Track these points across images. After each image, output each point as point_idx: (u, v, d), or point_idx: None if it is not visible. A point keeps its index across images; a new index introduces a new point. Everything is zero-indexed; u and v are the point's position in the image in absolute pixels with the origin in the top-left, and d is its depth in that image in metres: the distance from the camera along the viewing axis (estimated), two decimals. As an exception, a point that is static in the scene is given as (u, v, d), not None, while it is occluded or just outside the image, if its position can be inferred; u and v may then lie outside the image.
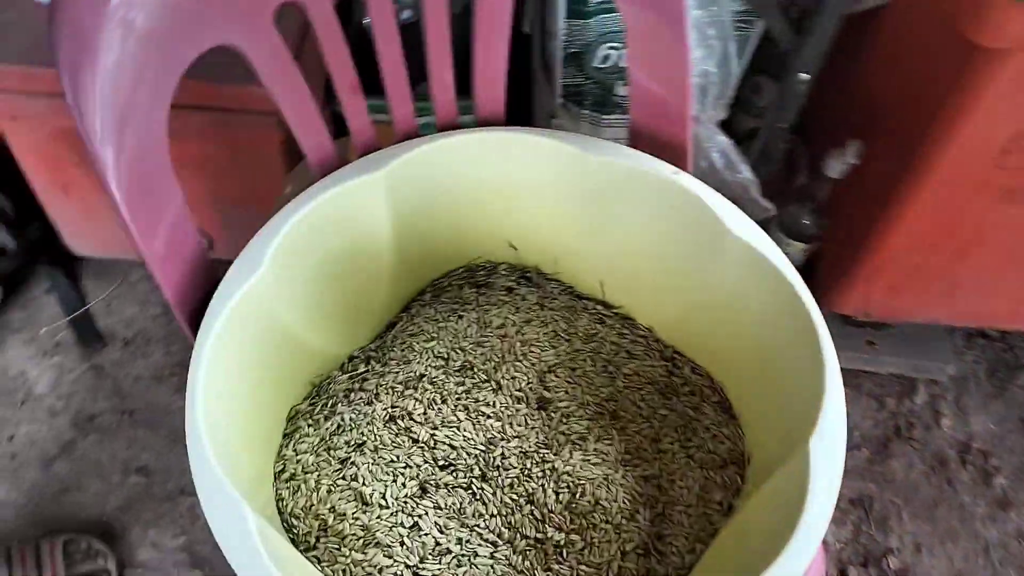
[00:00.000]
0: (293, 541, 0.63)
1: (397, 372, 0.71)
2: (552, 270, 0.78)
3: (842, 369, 1.16)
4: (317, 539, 0.63)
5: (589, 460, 0.67)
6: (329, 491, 0.65)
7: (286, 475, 0.66)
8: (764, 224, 1.17)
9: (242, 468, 0.58)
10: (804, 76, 0.86)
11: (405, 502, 0.64)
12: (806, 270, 1.19)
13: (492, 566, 0.63)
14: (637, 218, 0.69)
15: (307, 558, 0.62)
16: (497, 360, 0.72)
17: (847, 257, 1.09)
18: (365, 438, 0.67)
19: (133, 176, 0.56)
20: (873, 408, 1.19)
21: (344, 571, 0.62)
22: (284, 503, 0.65)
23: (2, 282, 1.16)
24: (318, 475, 0.65)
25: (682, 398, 0.71)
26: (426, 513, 0.64)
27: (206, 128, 0.97)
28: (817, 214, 1.10)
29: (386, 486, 0.65)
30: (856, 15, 0.85)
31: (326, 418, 0.68)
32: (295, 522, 0.64)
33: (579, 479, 0.66)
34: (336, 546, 0.62)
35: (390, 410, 0.68)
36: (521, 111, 1.15)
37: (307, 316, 0.67)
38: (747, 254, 0.62)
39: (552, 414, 0.70)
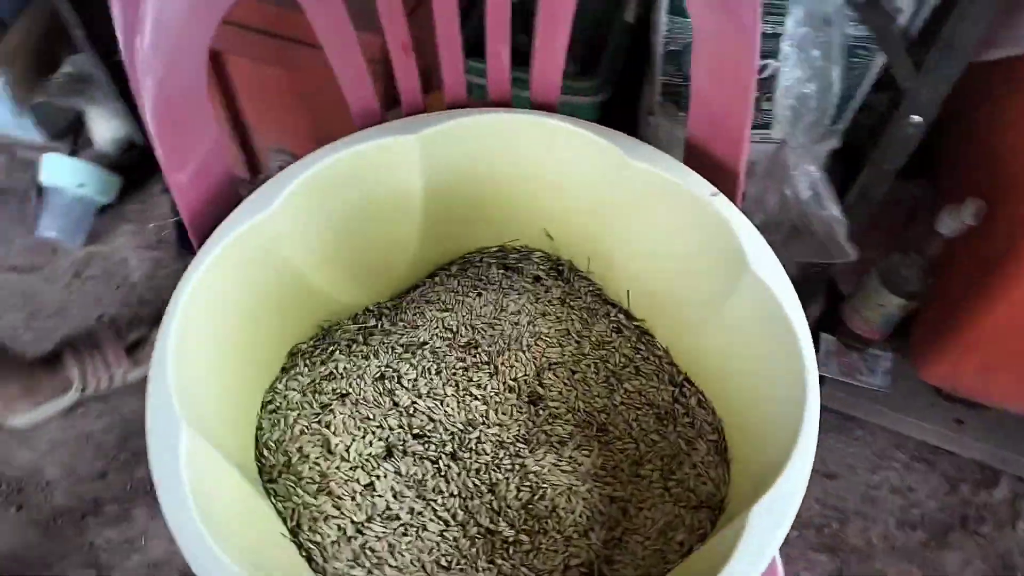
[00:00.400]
0: (261, 470, 0.66)
1: (402, 334, 0.72)
2: (585, 268, 0.76)
3: (920, 442, 1.07)
4: (279, 474, 0.65)
5: (560, 465, 0.65)
6: (302, 432, 0.66)
7: (272, 407, 0.68)
8: (859, 269, 1.09)
9: (215, 393, 0.61)
10: (916, 119, 0.78)
11: (367, 460, 0.65)
12: (901, 329, 1.10)
13: (438, 543, 0.63)
14: (667, 231, 0.65)
15: (267, 489, 0.65)
16: (502, 345, 0.71)
17: (943, 324, 0.99)
18: (351, 389, 0.68)
19: (169, 108, 0.59)
20: (943, 490, 1.09)
21: (293, 511, 0.63)
22: (262, 433, 0.67)
23: (125, 174, 1.26)
24: (297, 414, 0.67)
25: (679, 428, 0.67)
26: (385, 475, 0.65)
27: (313, 64, 1.01)
28: (923, 271, 1.01)
29: (353, 439, 0.66)
30: (986, 62, 0.76)
31: (322, 362, 0.70)
32: (266, 453, 0.66)
33: (543, 482, 0.65)
34: (293, 485, 0.64)
35: (383, 368, 0.69)
36: (630, 102, 1.12)
37: (323, 263, 0.69)
38: (762, 295, 0.58)
39: (540, 411, 0.69)
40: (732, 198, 0.65)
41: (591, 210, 0.70)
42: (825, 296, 1.18)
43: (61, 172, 1.22)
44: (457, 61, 0.67)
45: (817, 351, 1.13)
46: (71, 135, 1.32)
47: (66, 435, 1.12)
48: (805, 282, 1.12)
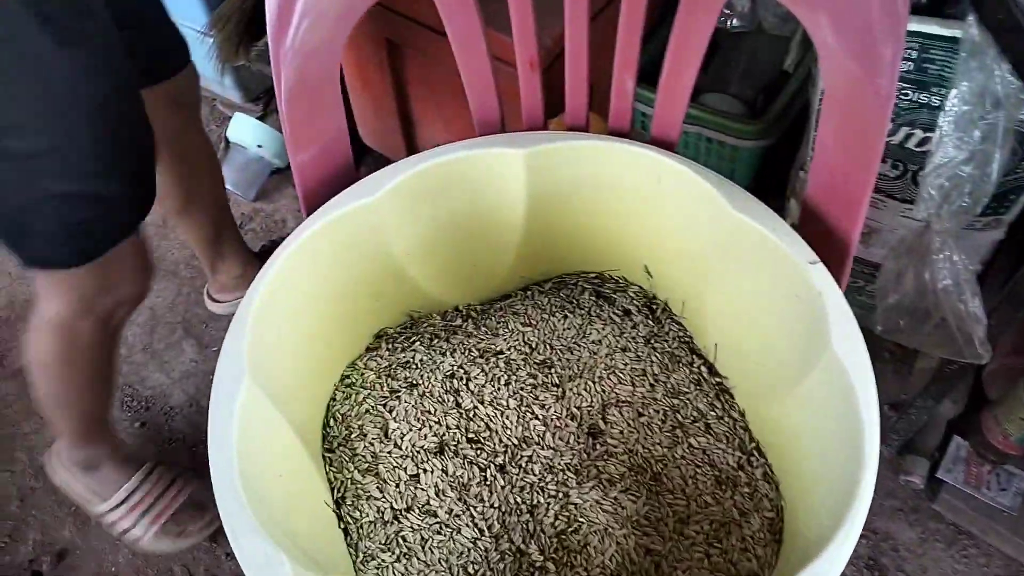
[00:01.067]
0: (325, 437, 0.69)
1: (482, 339, 0.73)
2: (679, 311, 0.74)
3: (1011, 559, 0.96)
4: (338, 445, 0.68)
5: (603, 504, 0.64)
6: (367, 411, 0.69)
7: (348, 381, 0.72)
8: (1011, 375, 0.98)
9: (295, 360, 0.64)
10: (1084, 222, 0.70)
11: (418, 452, 0.67)
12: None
13: (469, 550, 0.64)
14: (761, 291, 0.63)
15: (325, 457, 0.68)
16: (575, 371, 0.71)
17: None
18: (421, 381, 0.70)
19: (302, 96, 0.64)
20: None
21: (342, 484, 0.66)
22: (334, 403, 0.71)
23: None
24: (368, 393, 0.70)
25: (737, 496, 0.64)
26: (432, 471, 0.66)
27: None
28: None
29: (411, 429, 0.68)
30: None
31: (403, 349, 0.73)
32: (332, 423, 0.70)
33: (582, 516, 0.64)
34: (347, 458, 0.67)
35: (455, 368, 0.71)
36: (792, 152, 1.08)
37: (421, 257, 0.71)
38: (838, 378, 0.54)
39: (597, 446, 0.68)
40: (839, 270, 0.61)
41: (692, 254, 0.68)
42: (968, 397, 1.08)
43: (245, 131, 1.34)
44: (582, 87, 0.67)
45: (945, 454, 1.04)
46: (264, 100, 1.43)
47: (198, 368, 1.23)
48: (942, 376, 1.03)
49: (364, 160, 1.41)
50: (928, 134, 0.77)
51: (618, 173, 0.67)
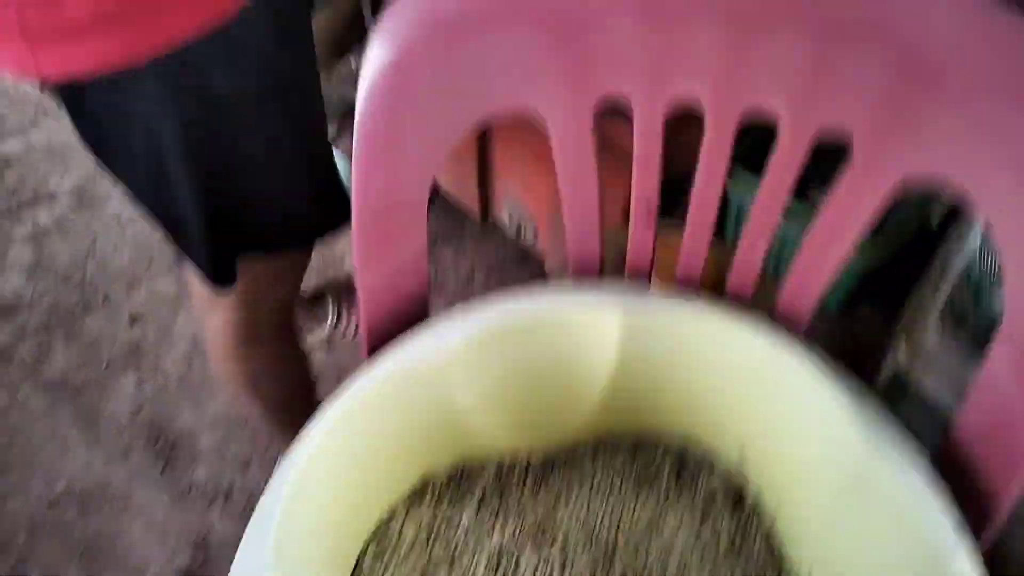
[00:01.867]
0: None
1: (539, 509, 0.63)
2: (772, 510, 0.63)
3: None
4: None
5: None
6: (399, 587, 0.60)
7: (383, 539, 0.63)
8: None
9: (323, 524, 0.56)
10: None
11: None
12: None
13: None
14: (877, 543, 0.51)
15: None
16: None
17: None
18: (462, 560, 0.60)
19: (382, 214, 0.55)
20: None
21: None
22: (363, 559, 0.62)
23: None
24: (399, 561, 0.61)
25: None
26: None
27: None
28: None
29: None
30: None
31: (450, 504, 0.63)
32: (359, 584, 0.61)
33: None
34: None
35: (504, 547, 0.61)
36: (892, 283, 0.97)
37: (485, 410, 0.62)
38: None
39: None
40: (979, 531, 0.50)
41: (798, 464, 0.57)
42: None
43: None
44: (705, 236, 0.57)
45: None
46: (340, 122, 1.35)
47: (229, 411, 1.16)
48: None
49: (434, 202, 1.32)
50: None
51: (726, 353, 0.57)
